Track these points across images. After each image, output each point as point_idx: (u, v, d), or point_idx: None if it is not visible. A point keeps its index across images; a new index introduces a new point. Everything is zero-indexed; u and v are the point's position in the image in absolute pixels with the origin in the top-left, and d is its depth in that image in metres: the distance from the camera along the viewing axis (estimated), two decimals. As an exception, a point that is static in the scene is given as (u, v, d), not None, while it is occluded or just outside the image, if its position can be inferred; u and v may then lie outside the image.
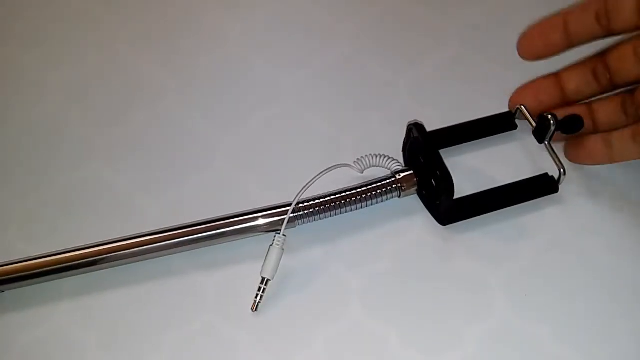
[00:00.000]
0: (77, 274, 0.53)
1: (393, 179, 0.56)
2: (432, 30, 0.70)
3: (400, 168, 0.57)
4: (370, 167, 0.58)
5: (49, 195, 0.58)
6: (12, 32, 0.69)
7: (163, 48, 0.68)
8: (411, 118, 0.58)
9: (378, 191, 0.56)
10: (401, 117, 0.60)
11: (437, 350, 0.53)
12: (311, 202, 0.56)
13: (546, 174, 0.57)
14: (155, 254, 0.54)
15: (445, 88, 0.66)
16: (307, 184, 0.55)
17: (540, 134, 0.54)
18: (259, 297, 0.53)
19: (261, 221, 0.55)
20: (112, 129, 0.62)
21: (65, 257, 0.53)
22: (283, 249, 0.54)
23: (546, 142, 0.54)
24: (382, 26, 0.71)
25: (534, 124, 0.55)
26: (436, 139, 0.57)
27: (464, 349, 0.53)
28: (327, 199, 0.56)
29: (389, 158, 0.58)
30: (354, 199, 0.56)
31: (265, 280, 0.53)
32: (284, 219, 0.54)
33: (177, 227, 0.55)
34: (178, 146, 0.61)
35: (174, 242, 0.54)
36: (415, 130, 0.55)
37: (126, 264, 0.54)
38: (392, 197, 0.57)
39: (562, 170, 0.54)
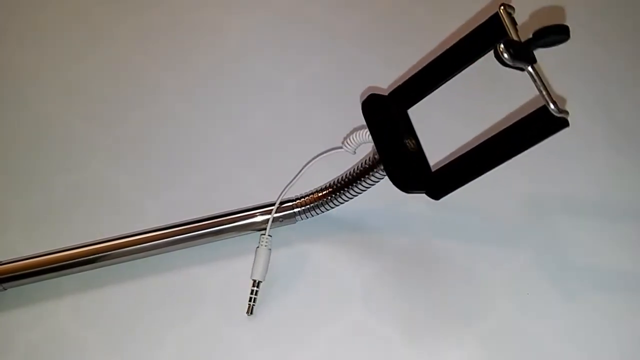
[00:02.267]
0: (77, 272, 0.55)
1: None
2: (430, 28, 0.69)
3: None
4: (360, 145, 0.54)
5: (49, 195, 0.61)
6: (11, 33, 0.71)
7: (163, 48, 0.68)
8: (413, 116, 0.56)
9: (366, 175, 0.52)
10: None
11: (437, 348, 0.51)
12: (295, 202, 0.55)
13: (543, 107, 0.43)
14: (154, 251, 0.55)
15: (448, 85, 0.65)
16: (295, 176, 0.54)
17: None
18: (252, 301, 0.53)
19: (257, 218, 0.55)
20: (112, 129, 0.64)
21: (66, 254, 0.55)
22: (270, 249, 0.54)
23: (528, 68, 0.42)
24: (382, 25, 0.70)
25: (514, 36, 0.42)
26: (394, 105, 0.50)
27: (465, 349, 0.51)
28: (314, 192, 0.55)
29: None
30: (344, 187, 0.53)
31: (257, 282, 0.53)
32: (269, 217, 0.54)
33: (172, 224, 0.56)
34: (178, 145, 0.62)
35: (170, 240, 0.55)
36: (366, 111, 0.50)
37: (125, 261, 0.55)
38: (381, 178, 0.52)
39: (549, 100, 0.42)
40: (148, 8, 0.70)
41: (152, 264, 0.56)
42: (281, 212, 0.55)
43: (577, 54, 0.66)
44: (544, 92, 0.42)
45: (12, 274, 0.55)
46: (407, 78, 0.50)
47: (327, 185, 0.55)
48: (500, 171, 0.59)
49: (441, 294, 0.54)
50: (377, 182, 0.52)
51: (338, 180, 0.54)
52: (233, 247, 0.56)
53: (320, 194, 0.55)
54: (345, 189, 0.53)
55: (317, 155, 0.56)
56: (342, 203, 0.55)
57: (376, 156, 0.50)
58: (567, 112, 0.42)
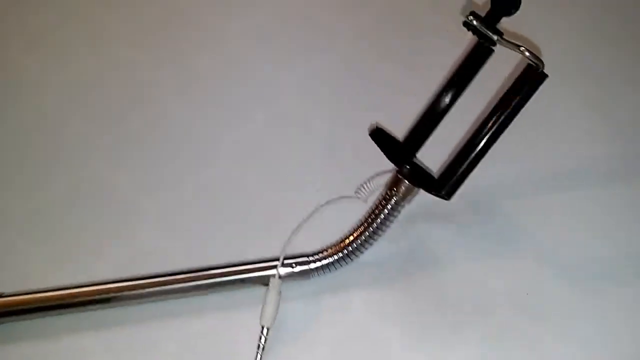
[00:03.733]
0: (74, 312, 0.52)
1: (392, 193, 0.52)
2: (431, 28, 0.69)
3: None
4: (372, 192, 0.55)
5: (49, 195, 0.61)
6: (12, 34, 0.71)
7: (163, 48, 0.68)
8: (413, 117, 0.55)
9: (383, 218, 0.52)
10: (403, 116, 0.59)
11: (437, 348, 0.51)
12: (308, 258, 0.53)
13: (528, 66, 0.48)
14: (153, 298, 0.53)
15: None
16: (299, 225, 0.53)
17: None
18: (260, 348, 0.49)
19: (258, 273, 0.53)
20: (113, 129, 0.64)
21: (62, 294, 0.52)
22: (279, 291, 0.51)
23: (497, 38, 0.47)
24: (382, 25, 0.70)
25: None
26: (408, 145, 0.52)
27: (464, 349, 0.51)
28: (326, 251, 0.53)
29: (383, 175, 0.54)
30: (362, 239, 0.52)
31: (265, 329, 0.50)
32: (275, 272, 0.52)
33: (175, 272, 0.53)
34: (178, 146, 0.62)
35: (171, 288, 0.52)
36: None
37: (120, 306, 0.53)
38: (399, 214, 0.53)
39: (523, 50, 0.46)
40: (148, 8, 0.70)
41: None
42: (298, 266, 0.53)
43: (577, 53, 0.67)
44: (515, 47, 0.46)
45: (8, 309, 0.51)
46: (409, 127, 0.51)
47: (341, 239, 0.53)
48: (501, 171, 0.59)
49: (441, 294, 0.54)
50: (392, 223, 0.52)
51: (355, 234, 0.52)
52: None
53: (333, 249, 0.53)
54: (364, 241, 0.52)
55: (324, 204, 0.55)
56: (357, 257, 0.53)
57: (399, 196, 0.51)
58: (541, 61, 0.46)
